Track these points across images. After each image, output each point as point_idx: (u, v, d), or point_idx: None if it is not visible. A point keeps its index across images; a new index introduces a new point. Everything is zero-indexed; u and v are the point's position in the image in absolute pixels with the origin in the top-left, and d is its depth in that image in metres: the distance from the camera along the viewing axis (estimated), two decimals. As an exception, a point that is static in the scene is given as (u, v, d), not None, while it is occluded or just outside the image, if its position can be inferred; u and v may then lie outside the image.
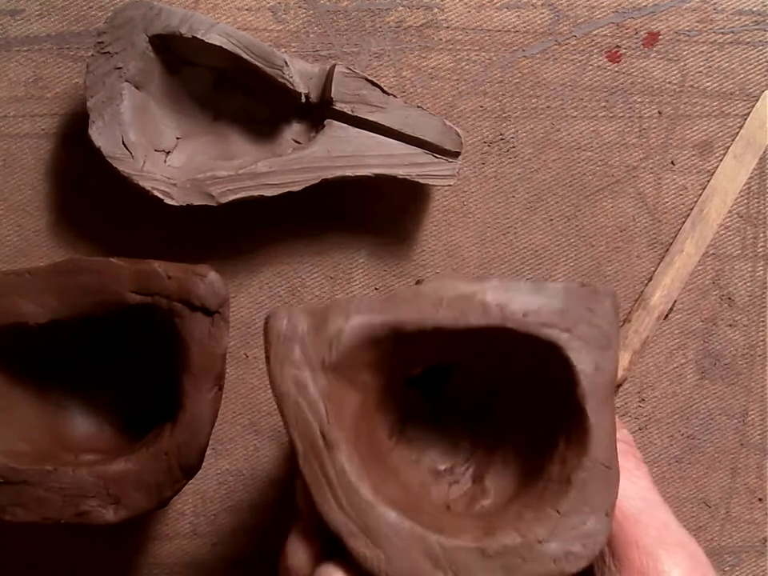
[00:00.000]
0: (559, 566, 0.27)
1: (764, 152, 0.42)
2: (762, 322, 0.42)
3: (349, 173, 0.38)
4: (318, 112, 0.40)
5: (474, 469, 0.31)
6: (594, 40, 0.42)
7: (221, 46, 0.37)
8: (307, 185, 0.38)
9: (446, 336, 0.28)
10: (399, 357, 0.29)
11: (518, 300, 0.28)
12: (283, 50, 0.41)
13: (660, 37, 0.42)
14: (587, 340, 0.28)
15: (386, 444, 0.31)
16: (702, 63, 0.42)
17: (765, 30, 0.42)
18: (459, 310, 0.28)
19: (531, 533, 0.27)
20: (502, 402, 0.32)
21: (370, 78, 0.38)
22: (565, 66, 0.42)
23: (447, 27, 0.41)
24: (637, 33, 0.42)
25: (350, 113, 0.38)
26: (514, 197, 0.42)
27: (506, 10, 0.42)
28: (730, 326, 0.42)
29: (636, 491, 0.30)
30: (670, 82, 0.42)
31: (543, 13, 0.42)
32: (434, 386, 0.33)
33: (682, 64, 0.42)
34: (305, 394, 0.27)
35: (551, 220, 0.42)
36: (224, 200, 0.38)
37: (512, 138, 0.42)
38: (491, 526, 0.28)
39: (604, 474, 0.27)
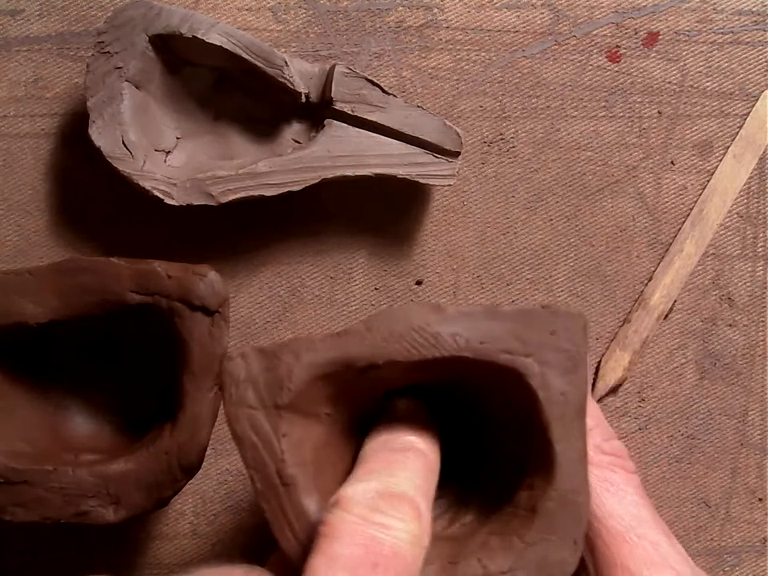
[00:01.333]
0: None
1: (764, 152, 0.42)
2: (762, 321, 0.42)
3: (349, 173, 0.38)
4: (318, 112, 0.40)
5: (459, 486, 0.31)
6: (593, 40, 0.42)
7: (221, 46, 0.37)
8: (307, 184, 0.38)
9: (403, 368, 0.28)
10: (362, 387, 0.29)
11: (473, 327, 0.27)
12: (283, 49, 0.41)
13: (660, 37, 0.42)
14: (551, 365, 0.27)
15: None
16: (701, 63, 0.42)
17: (764, 30, 0.42)
18: (411, 343, 0.27)
19: (494, 563, 0.27)
20: (482, 423, 0.32)
21: (369, 77, 0.38)
22: (565, 65, 0.42)
23: (447, 27, 0.41)
24: (637, 33, 0.42)
25: (350, 113, 0.38)
26: (513, 197, 0.42)
27: (505, 10, 0.42)
28: (730, 326, 0.42)
29: (624, 508, 0.29)
30: (669, 82, 0.42)
31: (543, 13, 0.42)
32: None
33: (682, 64, 0.42)
34: (260, 434, 0.27)
35: (551, 220, 0.42)
36: (224, 200, 0.38)
37: (512, 138, 0.42)
38: (457, 554, 0.28)
39: (571, 503, 0.27)
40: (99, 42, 0.37)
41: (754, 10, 0.42)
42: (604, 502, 0.29)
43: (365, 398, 0.30)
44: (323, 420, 0.29)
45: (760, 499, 0.42)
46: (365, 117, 0.38)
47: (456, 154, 0.39)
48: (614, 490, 0.29)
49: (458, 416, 0.32)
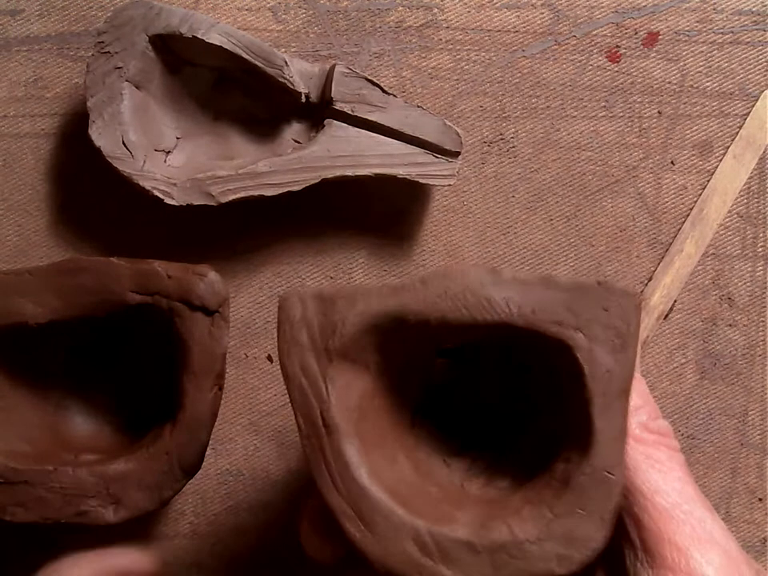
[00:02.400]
0: (548, 566, 0.26)
1: (764, 152, 0.42)
2: (762, 321, 0.42)
3: (349, 172, 0.38)
4: (317, 112, 0.40)
5: (498, 450, 0.31)
6: (593, 40, 0.42)
7: (221, 46, 0.37)
8: (307, 184, 0.38)
9: (453, 327, 0.28)
10: (412, 342, 0.29)
11: (527, 295, 0.27)
12: (283, 49, 0.41)
13: (660, 37, 0.42)
14: (600, 341, 0.27)
15: (405, 422, 0.32)
16: (701, 63, 0.42)
17: (764, 30, 0.42)
18: (464, 303, 0.28)
19: (522, 531, 0.27)
20: (524, 390, 0.32)
21: (370, 77, 0.38)
22: (565, 65, 0.42)
23: (447, 27, 0.41)
24: (637, 33, 0.42)
25: (350, 112, 0.38)
26: (514, 197, 0.42)
27: (505, 10, 0.42)
28: (730, 325, 0.42)
29: (669, 484, 0.29)
30: (669, 82, 0.42)
31: (543, 13, 0.42)
32: (465, 359, 0.33)
33: (682, 64, 0.42)
34: (308, 376, 0.28)
35: (551, 220, 0.42)
36: (224, 200, 0.38)
37: (512, 138, 0.42)
38: (489, 516, 0.28)
39: (605, 480, 0.27)
40: (99, 42, 0.37)
41: (753, 10, 0.42)
42: (650, 478, 0.29)
43: (414, 354, 0.30)
44: (371, 369, 0.29)
45: (760, 499, 0.42)
46: (365, 117, 0.38)
47: (456, 154, 0.39)
48: (660, 467, 0.29)
49: (503, 379, 0.32)
